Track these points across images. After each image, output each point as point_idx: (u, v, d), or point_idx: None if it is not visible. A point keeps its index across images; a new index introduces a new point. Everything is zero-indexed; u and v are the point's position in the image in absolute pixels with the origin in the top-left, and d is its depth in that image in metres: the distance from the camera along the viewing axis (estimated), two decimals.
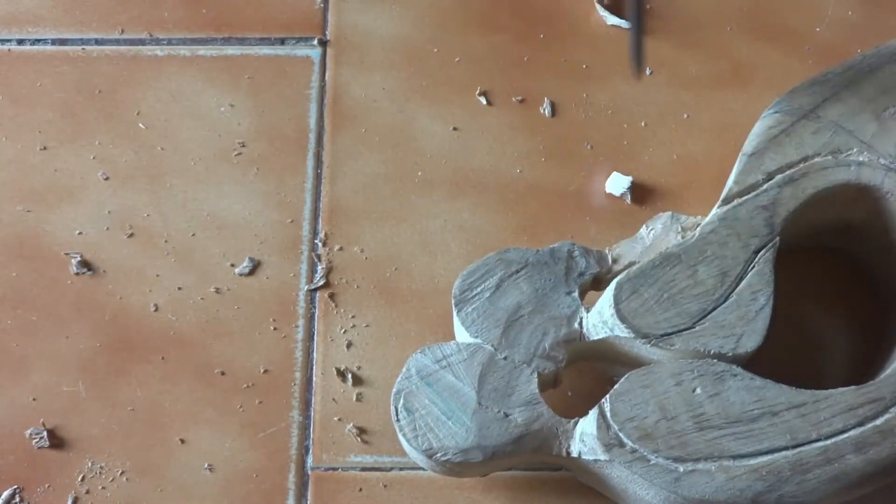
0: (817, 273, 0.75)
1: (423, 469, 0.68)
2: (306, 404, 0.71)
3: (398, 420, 0.64)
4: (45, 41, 0.83)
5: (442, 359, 0.65)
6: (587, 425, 0.63)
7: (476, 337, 0.66)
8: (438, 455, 0.63)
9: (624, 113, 0.80)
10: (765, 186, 0.68)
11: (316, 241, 0.76)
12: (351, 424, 0.71)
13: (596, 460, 0.63)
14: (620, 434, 0.62)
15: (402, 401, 0.64)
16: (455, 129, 0.80)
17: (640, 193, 0.78)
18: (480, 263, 0.68)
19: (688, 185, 0.78)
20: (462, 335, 0.67)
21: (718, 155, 0.78)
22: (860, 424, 0.63)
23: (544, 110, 0.80)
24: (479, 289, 0.67)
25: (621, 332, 0.65)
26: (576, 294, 0.67)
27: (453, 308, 0.67)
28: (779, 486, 0.61)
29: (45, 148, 0.79)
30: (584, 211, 0.76)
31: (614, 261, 0.68)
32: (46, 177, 0.78)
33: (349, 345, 0.73)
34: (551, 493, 0.69)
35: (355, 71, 0.82)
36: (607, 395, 0.64)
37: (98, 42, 0.83)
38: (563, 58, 0.82)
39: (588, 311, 0.67)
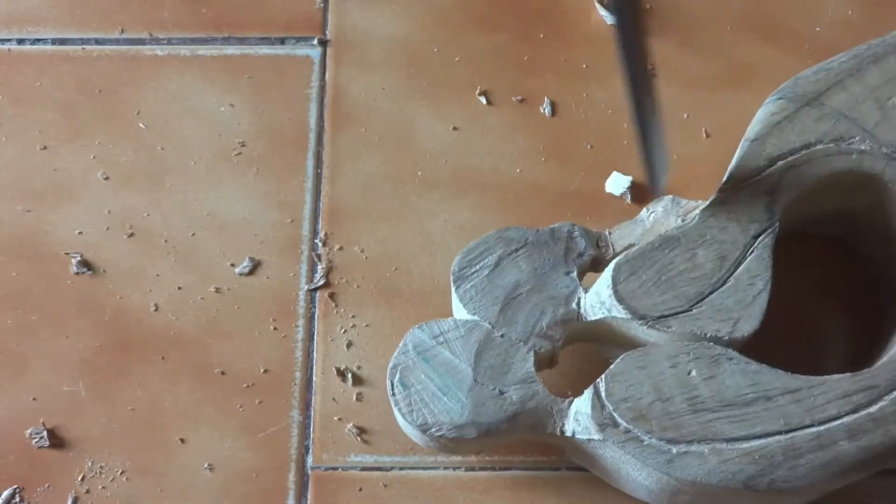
0: (816, 260, 0.75)
1: (423, 469, 0.68)
2: (306, 404, 0.71)
3: (394, 394, 0.64)
4: (45, 41, 0.83)
5: (439, 335, 0.65)
6: (582, 404, 0.63)
7: (474, 314, 0.66)
8: (433, 430, 0.63)
9: (624, 113, 0.80)
10: (766, 172, 0.68)
11: (316, 241, 0.76)
12: (351, 424, 0.71)
13: (589, 440, 0.63)
14: (615, 414, 0.62)
15: (398, 375, 0.65)
16: (455, 129, 0.80)
17: (640, 193, 0.77)
18: (480, 241, 0.68)
19: (688, 184, 0.78)
20: (460, 312, 0.67)
21: (718, 155, 0.77)
22: (854, 411, 0.63)
23: (544, 110, 0.80)
24: (478, 266, 0.67)
25: (619, 313, 0.65)
26: (574, 274, 0.67)
27: (451, 284, 0.67)
28: (771, 470, 0.61)
29: (45, 148, 0.79)
30: (584, 211, 0.76)
31: (614, 243, 0.68)
32: (46, 177, 0.78)
33: (349, 345, 0.73)
34: (551, 493, 0.69)
35: (355, 71, 0.82)
36: (603, 375, 0.64)
37: (98, 42, 0.83)
38: (563, 57, 0.82)
39: (586, 292, 0.67)
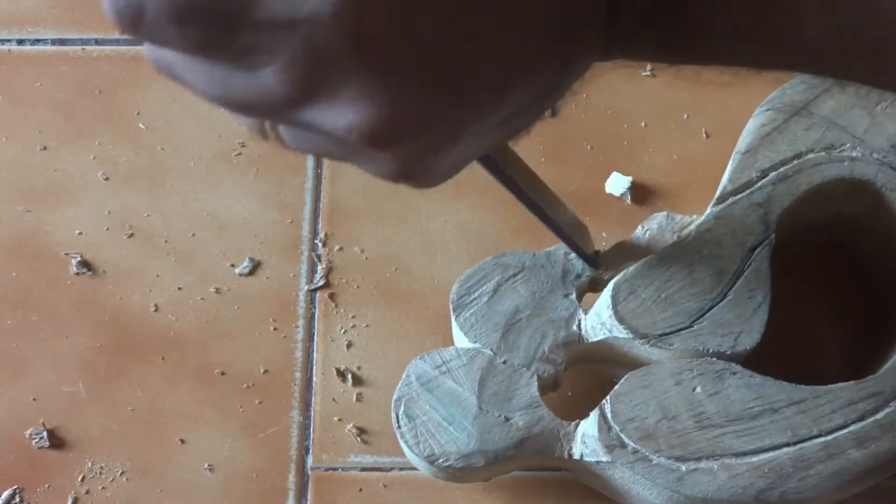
0: (814, 269, 0.75)
1: None
2: (306, 404, 0.72)
3: (399, 427, 0.64)
4: (45, 41, 0.83)
5: (441, 364, 0.65)
6: (588, 427, 0.64)
7: (475, 342, 0.66)
8: (440, 461, 0.63)
9: (624, 113, 0.80)
10: (759, 184, 0.69)
11: (316, 241, 0.76)
12: (351, 424, 0.71)
13: (598, 462, 0.63)
14: (622, 435, 0.62)
15: (402, 407, 0.64)
16: None
17: (640, 193, 0.77)
18: (477, 268, 0.68)
19: (687, 185, 0.78)
20: (461, 340, 0.67)
21: (718, 155, 0.77)
22: (861, 419, 0.63)
23: None
24: (476, 293, 0.67)
25: (620, 333, 0.65)
26: (573, 296, 0.67)
27: (451, 313, 0.67)
28: (781, 482, 0.61)
29: (45, 148, 0.79)
30: (585, 211, 0.76)
31: (611, 262, 0.68)
32: (46, 177, 0.78)
33: (349, 345, 0.73)
34: (551, 494, 0.69)
35: None
36: (608, 397, 0.64)
37: (98, 42, 0.83)
38: None
39: (586, 313, 0.67)
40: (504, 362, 0.65)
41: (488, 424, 0.64)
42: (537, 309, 0.67)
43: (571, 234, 0.65)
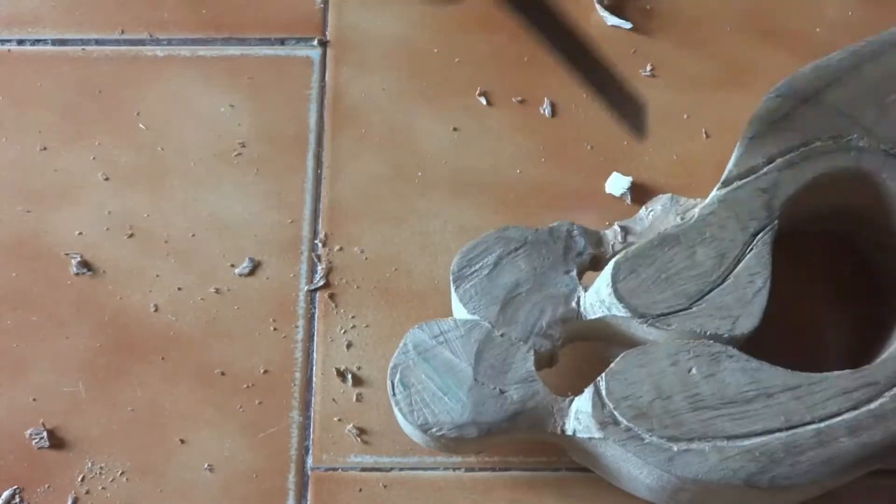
0: (815, 257, 0.75)
1: (423, 469, 0.68)
2: (306, 404, 0.71)
3: (394, 394, 0.64)
4: (45, 41, 0.83)
5: (439, 334, 0.65)
6: (582, 403, 0.63)
7: (474, 314, 0.66)
8: (433, 430, 0.63)
9: None
10: (765, 170, 0.68)
11: (316, 242, 0.76)
12: (351, 424, 0.71)
13: (590, 438, 0.63)
14: (615, 412, 0.62)
15: (398, 375, 0.65)
16: (455, 129, 0.80)
17: (640, 193, 0.77)
18: (479, 241, 0.68)
19: (688, 185, 0.78)
20: (460, 312, 0.67)
21: (718, 155, 0.77)
22: (854, 408, 0.63)
23: (544, 110, 0.80)
24: (477, 266, 0.67)
25: (618, 311, 0.65)
26: (574, 273, 0.67)
27: (451, 284, 0.67)
28: (772, 467, 0.61)
29: (45, 148, 0.79)
30: (585, 211, 0.76)
31: (613, 241, 0.68)
32: (46, 177, 0.78)
33: (349, 345, 0.73)
34: (551, 494, 0.69)
35: (355, 71, 0.82)
36: (603, 374, 0.64)
37: (98, 42, 0.83)
38: None
39: (586, 291, 0.67)
40: (502, 335, 0.65)
41: (483, 396, 0.63)
42: (537, 284, 0.67)
43: (615, 99, 0.65)
